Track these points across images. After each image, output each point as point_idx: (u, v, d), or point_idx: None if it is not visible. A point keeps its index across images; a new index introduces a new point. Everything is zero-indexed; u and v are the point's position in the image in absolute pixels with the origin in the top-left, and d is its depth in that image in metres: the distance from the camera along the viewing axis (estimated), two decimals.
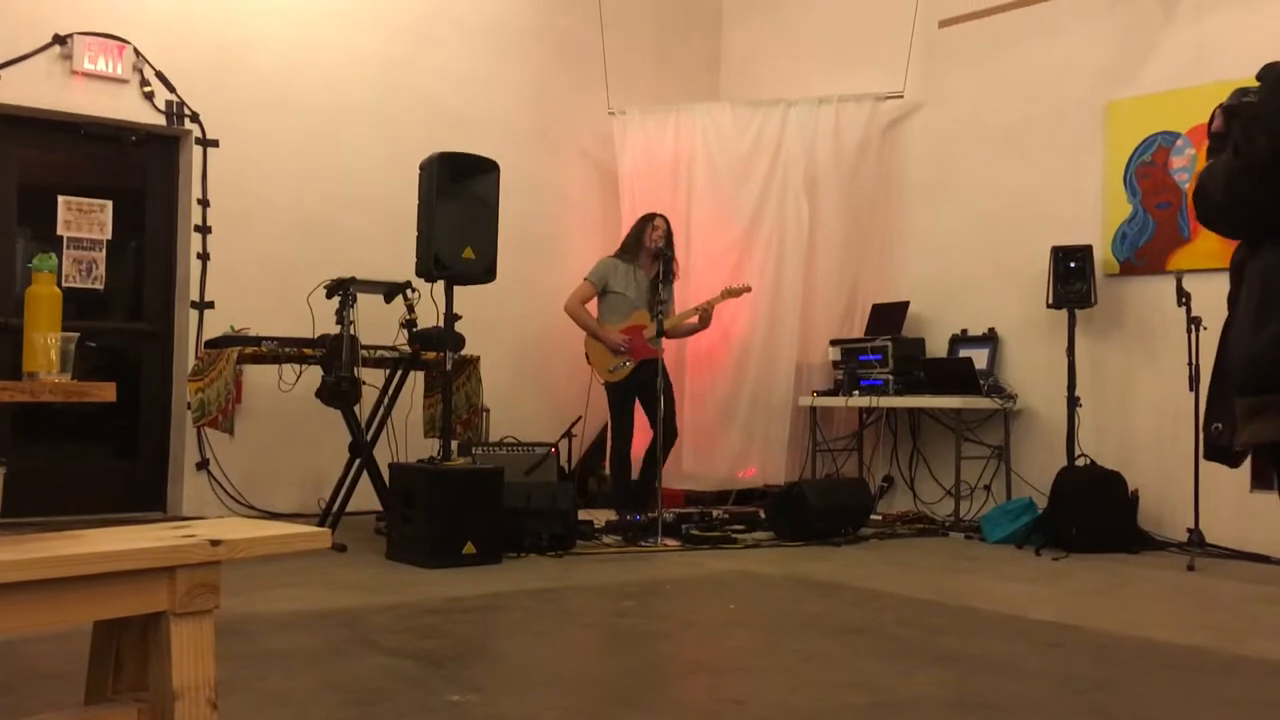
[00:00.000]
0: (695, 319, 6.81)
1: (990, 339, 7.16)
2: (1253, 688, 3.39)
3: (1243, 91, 1.86)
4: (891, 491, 7.61)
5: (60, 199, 6.58)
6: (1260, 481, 1.94)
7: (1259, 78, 1.83)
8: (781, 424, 7.70)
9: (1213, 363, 1.97)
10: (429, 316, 5.95)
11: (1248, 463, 1.95)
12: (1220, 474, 5.58)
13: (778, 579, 5.15)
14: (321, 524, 5.70)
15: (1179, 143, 6.35)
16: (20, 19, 6.28)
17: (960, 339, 7.30)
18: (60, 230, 6.57)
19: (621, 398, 6.63)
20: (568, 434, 7.40)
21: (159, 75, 6.69)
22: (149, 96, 6.67)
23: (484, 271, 5.62)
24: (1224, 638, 3.96)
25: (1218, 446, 1.92)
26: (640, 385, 6.45)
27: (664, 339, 6.47)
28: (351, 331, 5.67)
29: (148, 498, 6.83)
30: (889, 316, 7.48)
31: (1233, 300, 1.93)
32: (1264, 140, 1.77)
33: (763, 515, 6.69)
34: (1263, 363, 1.81)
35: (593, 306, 6.75)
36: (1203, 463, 5.63)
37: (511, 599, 4.51)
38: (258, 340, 5.85)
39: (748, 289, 7.00)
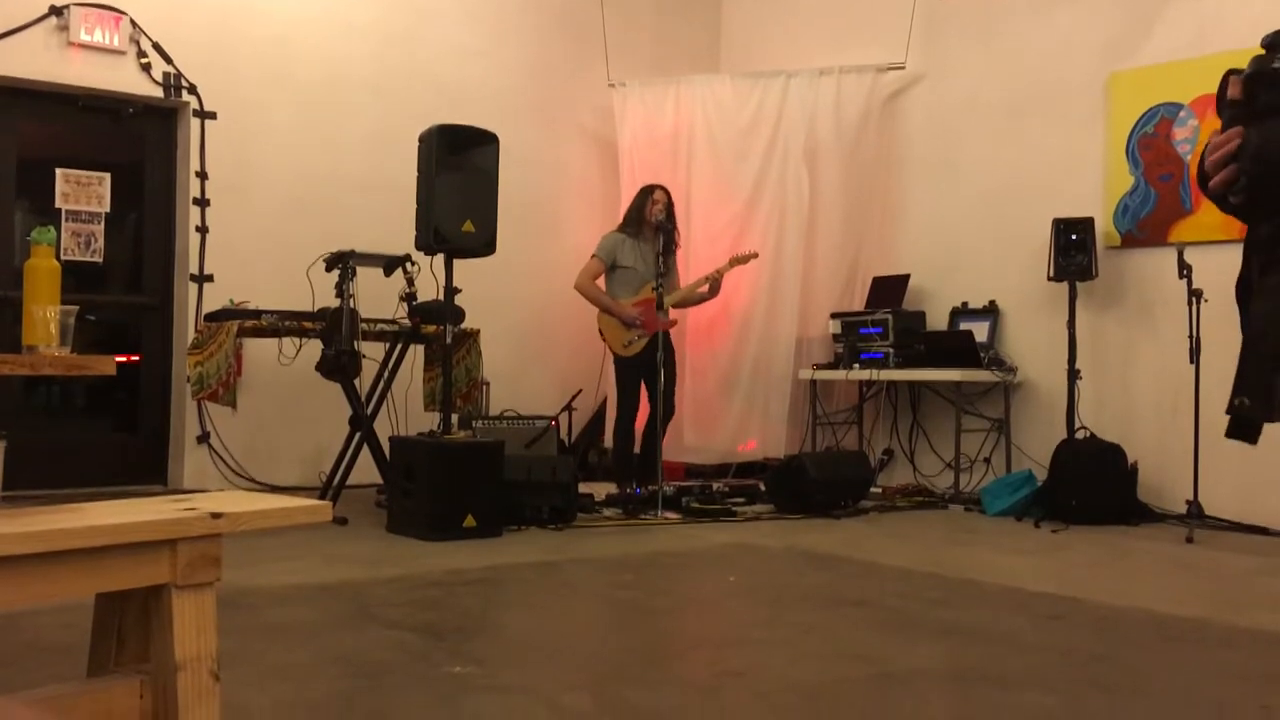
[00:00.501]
0: (705, 288, 6.82)
1: (991, 312, 7.15)
2: (1252, 659, 3.40)
3: (1264, 57, 1.79)
4: (891, 464, 7.62)
5: (58, 171, 6.55)
6: None
7: (1265, 45, 1.77)
8: (782, 397, 7.70)
9: (1243, 336, 1.80)
10: (429, 289, 5.94)
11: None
12: (1220, 447, 5.62)
13: (778, 552, 5.17)
14: (322, 497, 5.71)
15: (1181, 114, 6.32)
16: None
17: (960, 312, 7.29)
18: (59, 203, 6.55)
19: (633, 371, 6.64)
20: (568, 407, 7.41)
21: (156, 46, 6.65)
22: (146, 68, 6.63)
23: (484, 244, 5.60)
24: (1223, 609, 3.98)
25: (1244, 422, 1.82)
26: (651, 359, 6.45)
27: (675, 309, 6.48)
28: (351, 305, 5.66)
29: (148, 471, 6.84)
30: (889, 289, 7.47)
31: (1264, 269, 1.82)
32: None
33: (763, 488, 6.70)
34: None
35: (601, 282, 6.75)
36: (1202, 435, 5.65)
37: (512, 572, 4.52)
38: (257, 313, 5.85)
39: (755, 255, 7.00)
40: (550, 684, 2.92)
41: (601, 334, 6.77)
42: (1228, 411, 1.74)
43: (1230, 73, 1.70)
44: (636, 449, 6.71)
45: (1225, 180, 1.61)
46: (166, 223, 6.92)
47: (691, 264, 7.34)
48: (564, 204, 8.25)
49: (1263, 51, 1.70)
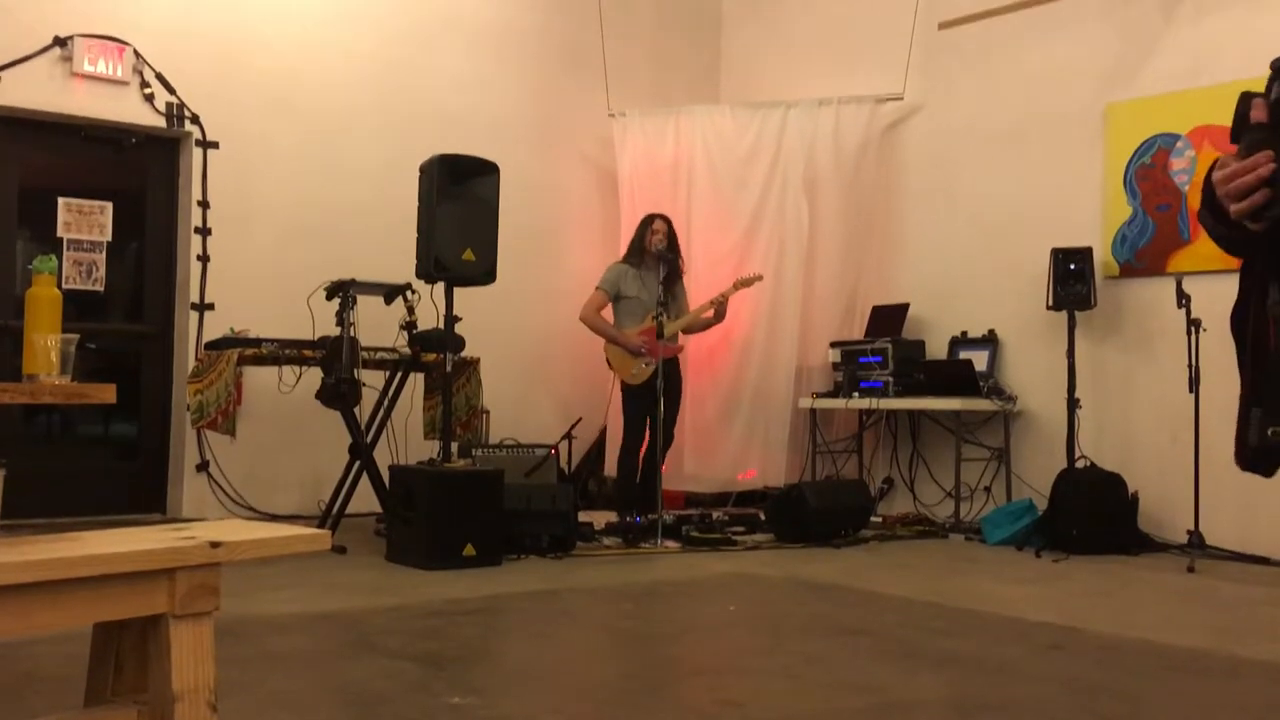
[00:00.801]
0: (710, 313, 6.83)
1: (990, 341, 7.15)
2: (1254, 690, 3.39)
3: None
4: (891, 493, 7.60)
5: (60, 201, 6.58)
6: None
7: (1276, 68, 1.73)
8: (781, 426, 7.70)
9: (1259, 362, 1.72)
10: (429, 318, 5.95)
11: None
12: (1221, 476, 5.61)
13: (778, 581, 5.15)
14: (321, 525, 5.70)
15: (1179, 144, 6.35)
16: (20, 21, 6.28)
17: (960, 341, 7.30)
18: (60, 232, 6.57)
19: (639, 399, 6.63)
20: (568, 436, 7.40)
21: (159, 77, 6.69)
22: (149, 98, 6.67)
23: (484, 273, 5.62)
24: (1224, 639, 3.96)
25: (1268, 451, 1.69)
26: (654, 386, 6.43)
27: (682, 335, 6.50)
28: (351, 333, 5.66)
29: (148, 499, 6.83)
30: (889, 318, 7.48)
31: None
32: None
33: (763, 517, 6.68)
34: None
35: (608, 314, 6.77)
36: (1203, 464, 5.64)
37: (511, 601, 4.51)
38: (258, 342, 5.85)
39: (759, 278, 7.00)
40: (550, 713, 2.91)
41: (609, 364, 6.77)
42: (1256, 443, 1.67)
43: (1249, 95, 1.62)
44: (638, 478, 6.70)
45: (1253, 205, 1.53)
46: (168, 251, 6.94)
47: (693, 292, 7.34)
48: (564, 233, 8.27)
49: (1270, 73, 1.66)
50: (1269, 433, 1.66)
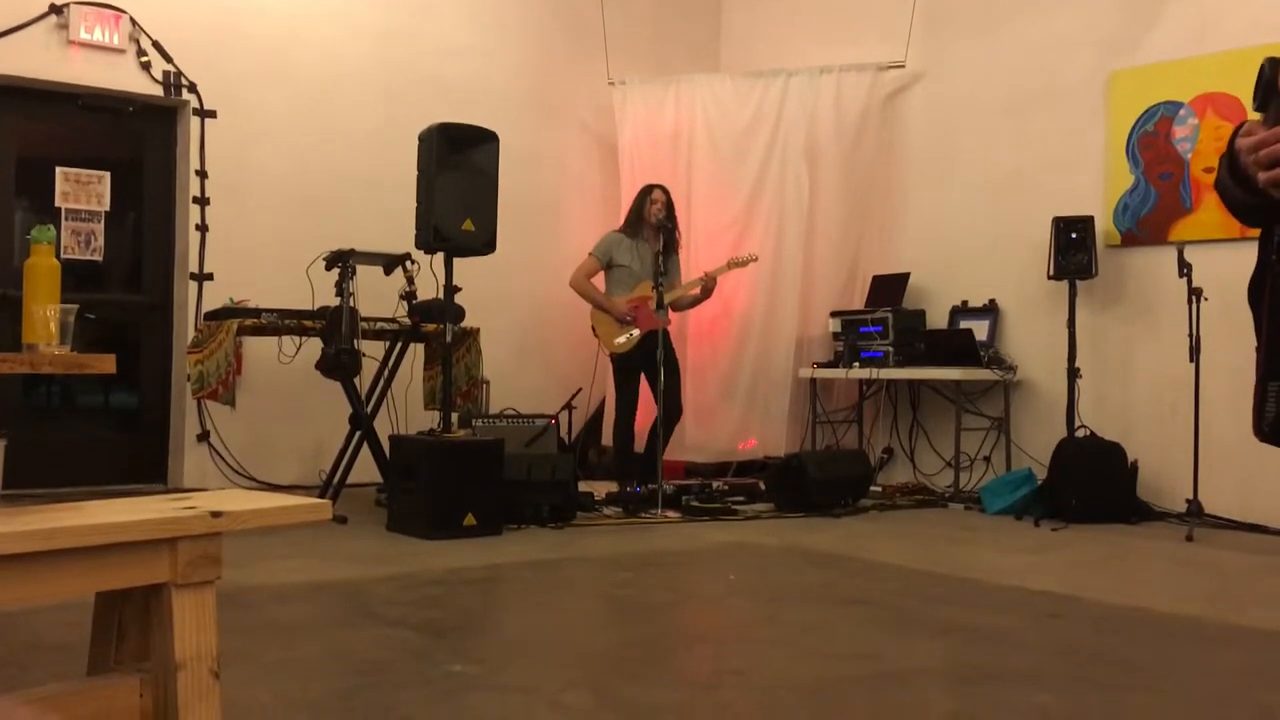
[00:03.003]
0: (698, 290, 6.80)
1: (990, 310, 7.15)
2: (1251, 657, 3.40)
3: None
4: (891, 463, 7.62)
5: (58, 170, 6.55)
6: None
7: None
8: (781, 396, 7.70)
9: (1276, 334, 1.69)
10: (429, 288, 5.94)
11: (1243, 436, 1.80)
12: (1220, 445, 5.62)
13: (777, 550, 5.17)
14: (322, 496, 5.71)
15: (1181, 113, 6.32)
16: None
17: (960, 310, 7.29)
18: (58, 202, 6.55)
19: (627, 369, 6.65)
20: (568, 406, 7.40)
21: (156, 45, 6.65)
22: (146, 67, 6.63)
23: (484, 243, 5.60)
24: (1222, 607, 3.98)
25: None
26: (647, 357, 6.44)
27: (671, 310, 6.49)
28: (351, 303, 5.66)
29: (149, 470, 6.84)
30: (889, 288, 7.47)
31: None
32: None
33: (763, 487, 6.70)
34: None
35: (600, 282, 6.76)
36: (1202, 433, 5.65)
37: (512, 570, 4.53)
38: (257, 312, 5.85)
39: (754, 259, 6.98)
40: (550, 682, 2.93)
41: (594, 331, 6.78)
42: (1275, 414, 1.65)
43: (1275, 61, 1.59)
44: (639, 448, 6.71)
45: None
46: (166, 221, 6.91)
47: (691, 264, 7.33)
48: (564, 203, 8.25)
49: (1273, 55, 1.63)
50: None
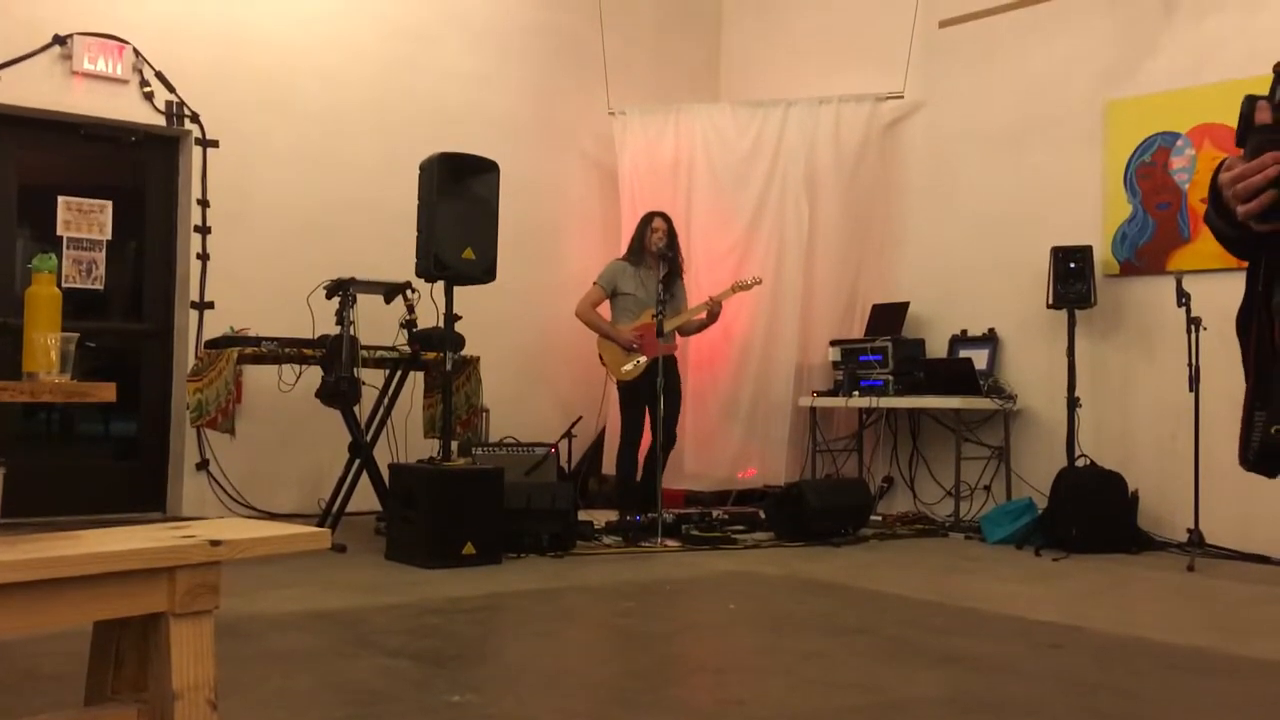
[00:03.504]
0: (703, 315, 6.81)
1: (990, 339, 7.15)
2: (1253, 688, 3.39)
3: None
4: (891, 492, 7.60)
5: (60, 199, 6.57)
6: None
7: (1278, 70, 1.75)
8: (781, 424, 7.70)
9: (1264, 363, 1.73)
10: (429, 317, 5.95)
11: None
12: (1221, 475, 5.61)
13: (778, 579, 5.15)
14: (321, 524, 5.69)
15: (1179, 143, 6.35)
16: (20, 19, 6.27)
17: (960, 339, 7.30)
18: (60, 230, 6.57)
19: (634, 397, 6.65)
20: (568, 434, 7.40)
21: (159, 75, 6.69)
22: (149, 97, 6.67)
23: (484, 272, 5.62)
24: (1224, 638, 3.96)
25: (1271, 452, 1.71)
26: (652, 384, 6.43)
27: (679, 335, 6.52)
28: (351, 332, 5.66)
29: (147, 498, 6.83)
30: (889, 317, 7.48)
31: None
32: None
33: (763, 516, 6.68)
34: None
35: (605, 311, 6.78)
36: (1203, 463, 5.64)
37: (511, 599, 4.51)
38: (257, 340, 5.85)
39: (758, 281, 6.99)
40: (550, 712, 2.91)
41: (601, 360, 6.80)
42: (1260, 443, 1.69)
43: (1253, 98, 1.64)
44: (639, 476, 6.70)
45: (1261, 205, 1.55)
46: (167, 250, 6.93)
47: (692, 291, 7.34)
48: (564, 231, 8.27)
49: (1274, 76, 1.67)
50: (1272, 430, 1.67)
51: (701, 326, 6.91)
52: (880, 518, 7.04)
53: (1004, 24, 7.20)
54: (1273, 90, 1.66)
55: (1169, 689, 3.32)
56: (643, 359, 6.61)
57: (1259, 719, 3.03)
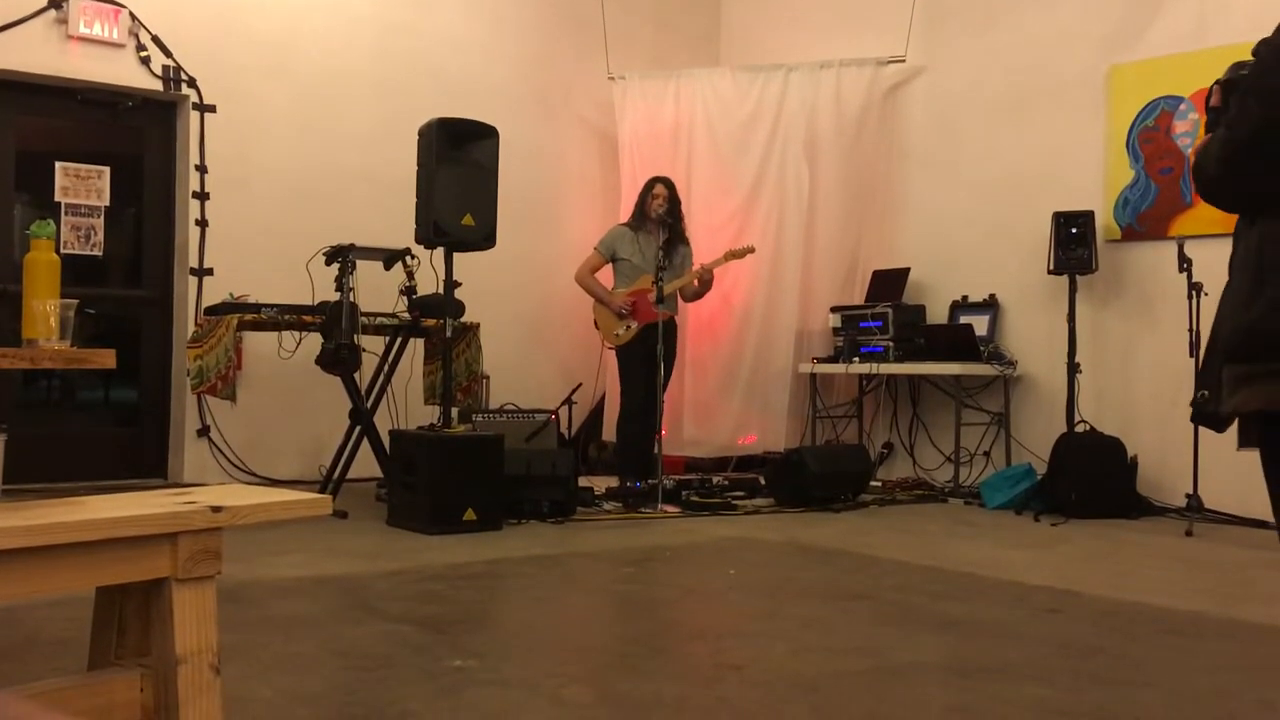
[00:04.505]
0: (695, 282, 6.79)
1: (991, 305, 7.14)
2: (1250, 651, 3.40)
3: (1239, 65, 1.88)
4: (891, 458, 7.62)
5: (57, 165, 6.55)
6: (1246, 441, 2.03)
7: (1254, 53, 1.84)
8: (782, 391, 7.70)
9: (1210, 330, 2.00)
10: (429, 283, 5.94)
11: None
12: (1219, 440, 5.58)
13: (777, 545, 5.17)
14: (322, 491, 5.71)
15: (1182, 107, 6.32)
16: None
17: (960, 305, 7.29)
18: (58, 196, 6.55)
19: (629, 361, 6.65)
20: (568, 401, 7.41)
21: (155, 40, 6.64)
22: (145, 61, 6.62)
23: (483, 238, 5.60)
24: (1222, 602, 3.98)
25: (1204, 413, 2.02)
26: (648, 349, 6.43)
27: (681, 300, 6.55)
28: (351, 298, 5.66)
29: (149, 465, 6.84)
30: (889, 283, 7.46)
31: (1232, 267, 1.98)
32: (1257, 109, 1.78)
33: (763, 482, 6.70)
34: (1254, 332, 1.86)
35: (606, 277, 6.76)
36: (1202, 429, 5.64)
37: (512, 565, 4.53)
38: (257, 307, 5.85)
39: (751, 250, 6.95)
40: (551, 677, 2.93)
41: (596, 324, 6.80)
42: (1191, 404, 2.00)
43: (1217, 82, 1.81)
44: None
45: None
46: (166, 216, 6.91)
47: (697, 256, 7.31)
48: (564, 197, 8.24)
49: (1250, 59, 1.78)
50: (1198, 395, 2.01)
51: (696, 294, 6.87)
52: (880, 483, 7.06)
53: None
54: (1230, 70, 1.81)
55: (1167, 653, 3.34)
56: (634, 324, 6.60)
57: (1258, 683, 3.04)
